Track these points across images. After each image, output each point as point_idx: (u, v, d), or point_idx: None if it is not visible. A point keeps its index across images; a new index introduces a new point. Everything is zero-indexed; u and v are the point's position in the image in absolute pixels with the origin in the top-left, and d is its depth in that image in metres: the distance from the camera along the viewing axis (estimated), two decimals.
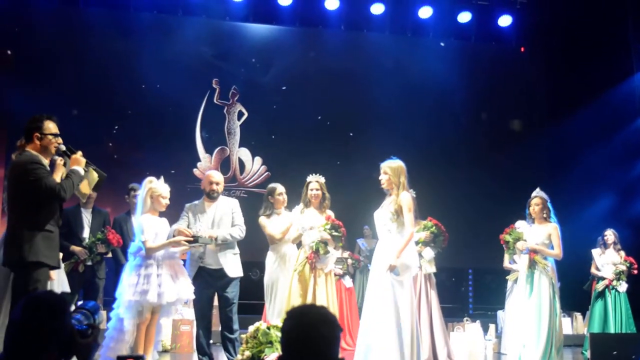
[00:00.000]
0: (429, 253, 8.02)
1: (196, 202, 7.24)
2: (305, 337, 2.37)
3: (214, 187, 7.11)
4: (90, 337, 2.54)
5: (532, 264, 7.67)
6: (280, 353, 2.46)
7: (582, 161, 12.82)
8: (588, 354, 8.49)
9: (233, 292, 7.04)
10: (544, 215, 7.78)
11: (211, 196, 7.13)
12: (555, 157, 13.78)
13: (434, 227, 7.90)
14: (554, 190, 12.65)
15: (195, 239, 6.52)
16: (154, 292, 6.18)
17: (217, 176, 7.25)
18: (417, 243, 7.81)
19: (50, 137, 5.22)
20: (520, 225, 8.02)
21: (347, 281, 10.17)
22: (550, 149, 13.87)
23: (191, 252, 6.94)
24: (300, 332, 2.39)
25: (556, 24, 13.68)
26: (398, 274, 6.35)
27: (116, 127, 12.94)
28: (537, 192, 7.95)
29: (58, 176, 5.21)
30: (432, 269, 8.08)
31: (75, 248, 8.05)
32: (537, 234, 7.77)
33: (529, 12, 13.99)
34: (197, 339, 7.20)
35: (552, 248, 7.69)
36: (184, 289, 6.46)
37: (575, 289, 10.81)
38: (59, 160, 5.32)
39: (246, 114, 13.74)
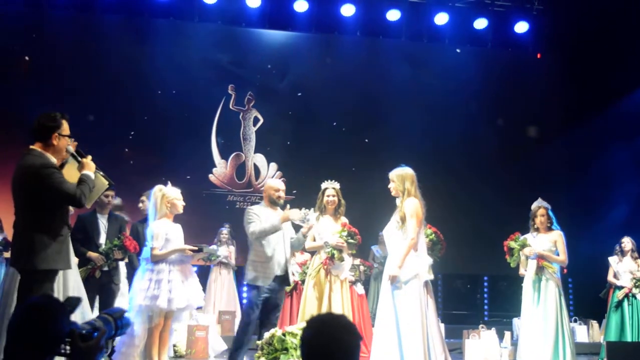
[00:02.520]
0: (427, 260, 7.98)
1: (257, 206, 7.24)
2: (326, 346, 2.37)
3: (281, 194, 7.15)
4: (93, 340, 2.53)
5: (539, 270, 7.73)
6: None
7: (599, 168, 12.73)
8: None
9: (282, 298, 7.11)
10: (548, 224, 7.86)
11: (277, 203, 7.13)
12: (571, 164, 13.70)
13: (433, 235, 7.86)
14: (570, 197, 12.68)
15: (199, 248, 6.53)
16: (164, 297, 6.21)
17: (282, 184, 7.30)
18: None
19: (66, 138, 5.02)
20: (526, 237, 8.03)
21: (359, 288, 10.15)
22: (566, 155, 13.78)
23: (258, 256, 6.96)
24: (322, 341, 2.39)
25: (573, 30, 13.61)
26: (399, 284, 6.32)
27: (132, 132, 13.00)
28: (541, 203, 8.01)
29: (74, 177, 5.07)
30: (430, 276, 8.02)
31: (92, 254, 8.03)
32: (542, 241, 7.82)
33: (546, 18, 13.93)
34: (242, 341, 6.99)
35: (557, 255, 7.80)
36: (195, 295, 6.48)
37: (591, 296, 10.74)
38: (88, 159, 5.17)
39: (262, 120, 13.76)
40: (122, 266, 8.56)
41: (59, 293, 5.44)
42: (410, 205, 6.44)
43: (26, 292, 4.85)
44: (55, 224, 4.96)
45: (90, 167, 5.12)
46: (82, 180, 5.02)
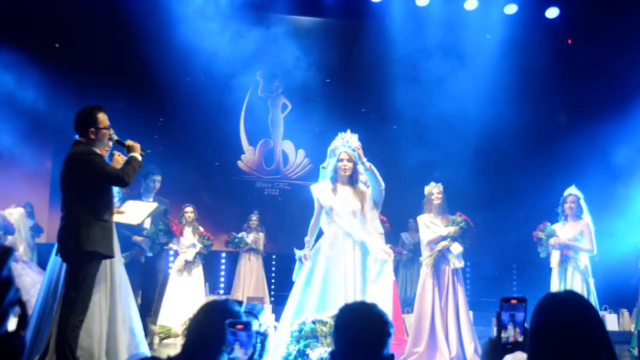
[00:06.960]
0: (457, 248, 7.96)
1: None
2: (357, 334, 2.44)
3: None
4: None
5: (565, 260, 7.65)
6: (327, 348, 2.52)
7: (631, 156, 12.58)
8: (635, 351, 8.36)
9: None
10: (578, 213, 7.77)
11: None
12: (602, 151, 13.53)
13: (463, 223, 7.82)
14: (601, 185, 12.53)
15: None
16: None
17: None
18: (445, 238, 7.77)
19: (104, 130, 5.27)
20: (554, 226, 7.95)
21: None
22: (598, 143, 13.60)
23: None
24: (354, 329, 2.46)
25: (605, 15, 13.40)
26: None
27: (161, 119, 13.05)
28: (573, 190, 7.92)
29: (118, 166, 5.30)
30: (460, 264, 8.01)
31: (138, 238, 7.97)
32: (570, 230, 7.74)
33: (577, 3, 13.74)
34: None
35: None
36: None
37: (622, 284, 10.65)
38: (117, 155, 5.43)
39: (290, 107, 13.78)
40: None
41: (106, 281, 5.42)
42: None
43: (73, 276, 5.03)
44: (99, 209, 5.17)
45: (136, 149, 5.37)
46: (127, 161, 5.29)
